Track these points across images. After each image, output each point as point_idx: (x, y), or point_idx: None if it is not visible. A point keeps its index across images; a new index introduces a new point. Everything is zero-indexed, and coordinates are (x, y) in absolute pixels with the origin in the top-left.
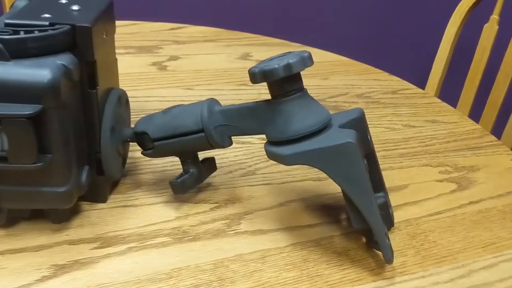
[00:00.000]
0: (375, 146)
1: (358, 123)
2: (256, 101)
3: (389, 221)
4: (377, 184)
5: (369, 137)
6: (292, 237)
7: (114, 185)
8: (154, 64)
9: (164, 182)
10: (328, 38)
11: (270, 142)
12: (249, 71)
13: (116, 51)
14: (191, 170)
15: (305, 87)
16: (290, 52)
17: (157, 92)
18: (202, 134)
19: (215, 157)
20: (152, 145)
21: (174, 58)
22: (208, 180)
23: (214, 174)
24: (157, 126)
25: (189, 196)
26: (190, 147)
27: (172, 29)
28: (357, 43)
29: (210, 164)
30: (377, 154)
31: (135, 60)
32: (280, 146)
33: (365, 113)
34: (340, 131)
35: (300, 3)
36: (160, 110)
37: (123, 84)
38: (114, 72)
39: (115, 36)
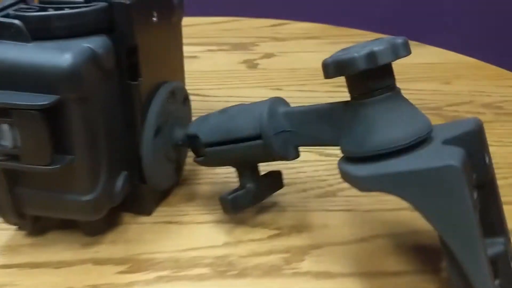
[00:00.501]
0: (500, 171)
1: (472, 139)
2: (332, 103)
3: (509, 280)
4: (495, 225)
5: (486, 159)
6: (369, 287)
7: (165, 195)
8: (245, 61)
9: None
10: (453, 36)
11: (346, 158)
12: (322, 62)
13: (209, 47)
14: (247, 185)
15: (415, 90)
16: (378, 39)
17: (240, 92)
18: (260, 141)
19: (289, 170)
20: (204, 151)
21: (268, 55)
22: (274, 198)
23: (283, 191)
24: (210, 128)
25: (247, 217)
26: (247, 156)
27: (273, 25)
28: (489, 42)
29: (274, 180)
30: (503, 182)
31: (226, 57)
32: (357, 164)
33: (493, 127)
34: (442, 149)
35: None
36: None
37: (207, 82)
38: (173, 64)
39: (210, 32)
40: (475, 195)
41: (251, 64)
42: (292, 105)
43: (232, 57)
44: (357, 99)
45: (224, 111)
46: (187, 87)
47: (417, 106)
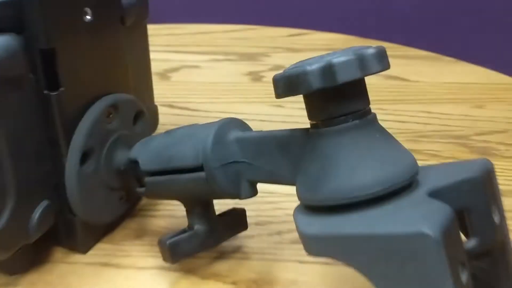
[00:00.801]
0: None
1: (474, 190)
2: (293, 130)
3: None
4: None
5: (496, 217)
6: None
7: (110, 228)
8: (249, 73)
9: None
10: (493, 52)
11: (303, 205)
12: (273, 77)
13: (214, 57)
14: (196, 226)
15: (437, 114)
16: (349, 48)
17: (236, 108)
18: (202, 173)
19: (266, 205)
20: (145, 180)
21: (277, 68)
22: (239, 241)
23: (253, 232)
24: (151, 153)
25: (200, 264)
26: (191, 191)
27: (290, 35)
28: None
29: (235, 220)
30: None
31: (230, 67)
32: (310, 215)
33: None
34: (422, 204)
35: (461, 3)
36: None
37: (200, 95)
38: (123, 73)
39: (220, 40)
40: (464, 275)
41: (256, 77)
42: (286, 126)
43: (237, 68)
44: (315, 126)
45: (169, 133)
46: (176, 99)
47: (439, 133)
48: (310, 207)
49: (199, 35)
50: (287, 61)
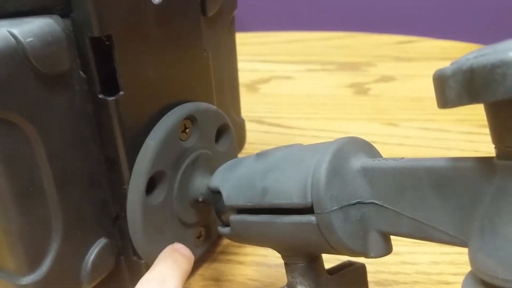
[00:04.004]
0: None
1: None
2: (461, 159)
3: None
4: None
5: None
6: None
7: None
8: (352, 85)
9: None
10: None
11: (480, 280)
12: (434, 73)
13: (309, 66)
14: (298, 287)
15: None
16: None
17: (338, 125)
18: (311, 217)
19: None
20: (229, 218)
21: (385, 79)
22: None
23: None
24: (237, 182)
25: None
26: (294, 240)
27: (399, 42)
28: None
29: (351, 279)
30: None
31: (328, 78)
32: None
33: None
34: None
35: None
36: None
37: (293, 110)
38: (205, 78)
39: (315, 48)
40: None
41: (361, 89)
42: (404, 150)
43: (336, 79)
44: (510, 157)
45: (263, 156)
46: (265, 114)
47: None
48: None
49: (292, 43)
50: (396, 71)
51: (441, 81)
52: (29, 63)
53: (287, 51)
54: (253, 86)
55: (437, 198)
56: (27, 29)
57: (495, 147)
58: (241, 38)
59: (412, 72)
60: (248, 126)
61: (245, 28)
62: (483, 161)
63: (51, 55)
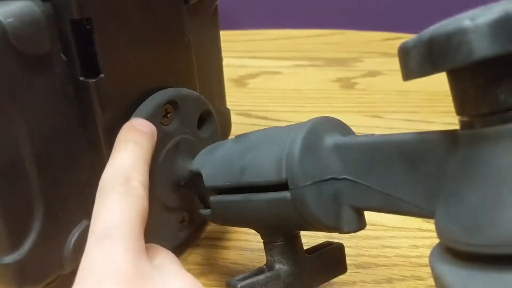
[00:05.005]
0: None
1: None
2: (425, 133)
3: None
4: None
5: None
6: None
7: None
8: (340, 80)
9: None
10: None
11: (446, 248)
12: (399, 46)
13: (298, 62)
14: (276, 266)
15: None
16: None
17: None
18: (286, 193)
19: (370, 241)
20: (209, 200)
21: (372, 73)
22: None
23: (355, 277)
24: (217, 163)
25: None
26: (271, 217)
27: (386, 39)
28: None
29: (329, 259)
30: None
31: (316, 74)
32: (463, 265)
33: None
34: None
35: None
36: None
37: (281, 103)
38: (187, 63)
39: (305, 45)
40: None
41: (347, 84)
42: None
43: (324, 74)
44: (472, 126)
45: (241, 138)
46: (253, 107)
47: None
48: (462, 254)
49: (281, 40)
50: (383, 66)
51: (403, 53)
52: (9, 43)
53: (276, 48)
54: (241, 81)
55: (405, 172)
56: (7, 10)
57: (458, 119)
58: (231, 35)
59: (398, 67)
60: (235, 119)
61: (235, 26)
62: (448, 133)
63: (30, 36)
